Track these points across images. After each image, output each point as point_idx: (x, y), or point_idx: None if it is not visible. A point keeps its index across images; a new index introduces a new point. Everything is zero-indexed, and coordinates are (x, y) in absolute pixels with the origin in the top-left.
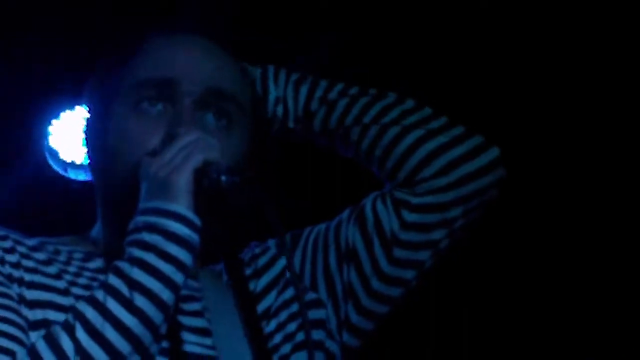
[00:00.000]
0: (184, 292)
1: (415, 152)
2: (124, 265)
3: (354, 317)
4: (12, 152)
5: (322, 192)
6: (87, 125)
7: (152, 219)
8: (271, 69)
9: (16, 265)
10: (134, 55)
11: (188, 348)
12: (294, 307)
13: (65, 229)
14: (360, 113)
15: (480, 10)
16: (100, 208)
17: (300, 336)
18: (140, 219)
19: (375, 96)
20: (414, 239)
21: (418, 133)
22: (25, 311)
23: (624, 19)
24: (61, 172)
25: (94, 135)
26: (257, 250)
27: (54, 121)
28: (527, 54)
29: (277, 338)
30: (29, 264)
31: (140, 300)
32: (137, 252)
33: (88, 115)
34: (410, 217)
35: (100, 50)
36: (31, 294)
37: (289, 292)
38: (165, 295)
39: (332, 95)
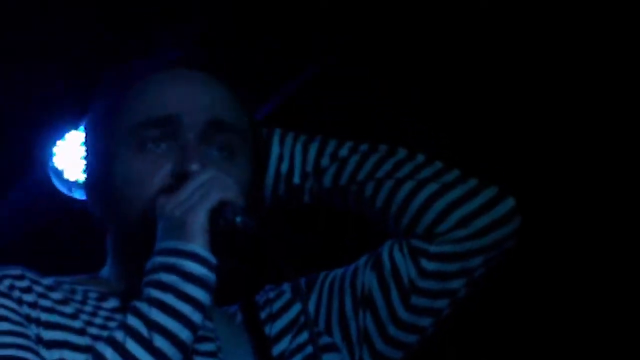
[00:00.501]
0: (199, 333)
1: (431, 207)
2: (142, 306)
3: None
4: (17, 172)
5: (330, 225)
6: (89, 167)
7: (169, 259)
8: (278, 131)
9: (33, 305)
10: (130, 94)
11: None
12: (308, 350)
13: (69, 248)
14: (373, 169)
15: (480, 10)
16: (111, 248)
17: None
18: (157, 260)
19: (387, 152)
20: (433, 287)
21: (433, 187)
22: (43, 351)
23: (624, 19)
24: (65, 191)
25: (98, 178)
26: (272, 295)
27: (58, 141)
28: (527, 54)
29: None
30: (46, 303)
31: (159, 341)
32: (155, 293)
33: (87, 155)
34: (429, 265)
35: (94, 91)
36: (48, 334)
37: (304, 336)
38: (184, 335)
39: (343, 152)
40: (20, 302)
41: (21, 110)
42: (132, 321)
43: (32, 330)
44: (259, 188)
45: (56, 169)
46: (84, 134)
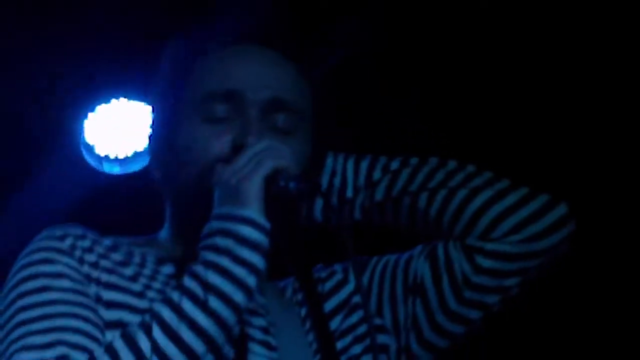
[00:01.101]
0: (251, 306)
1: (486, 213)
2: (198, 269)
3: (414, 347)
4: (48, 147)
5: None
6: (154, 131)
7: (225, 224)
8: (330, 152)
9: (94, 265)
10: (202, 64)
11: (254, 359)
12: (360, 330)
13: (100, 222)
14: (425, 179)
15: (480, 10)
16: (169, 213)
17: (365, 359)
18: (214, 224)
19: (438, 164)
20: (486, 283)
21: (487, 194)
22: (102, 311)
23: (624, 19)
24: (96, 166)
25: (162, 143)
26: (323, 274)
27: (89, 115)
28: (526, 54)
29: (343, 359)
30: (107, 264)
31: (214, 302)
32: (211, 256)
33: (153, 119)
34: (484, 262)
35: (162, 51)
36: (108, 295)
37: (355, 317)
38: (239, 297)
39: (394, 165)
40: (81, 261)
41: (52, 85)
42: (189, 283)
43: (92, 289)
44: (318, 167)
45: (87, 143)
46: (151, 96)
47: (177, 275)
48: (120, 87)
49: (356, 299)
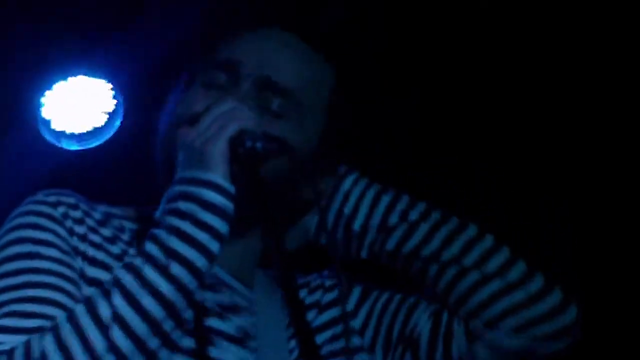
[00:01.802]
0: (237, 301)
1: (491, 306)
2: (160, 233)
3: None
4: (4, 123)
5: None
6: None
7: (188, 188)
8: (354, 173)
9: (83, 238)
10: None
11: (223, 356)
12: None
13: None
14: (440, 247)
15: (480, 10)
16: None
17: None
18: (176, 188)
19: (457, 227)
20: None
21: (496, 285)
22: (84, 287)
23: (624, 19)
24: (54, 142)
25: (161, 113)
26: (327, 283)
27: (47, 92)
28: (527, 54)
29: None
30: (95, 239)
31: (176, 268)
32: (174, 221)
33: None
34: (483, 352)
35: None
36: (92, 272)
37: (341, 343)
38: (201, 263)
39: (414, 215)
40: (71, 232)
41: (9, 60)
42: (151, 248)
43: (78, 263)
44: (323, 172)
45: (44, 119)
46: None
47: (141, 239)
48: (79, 65)
49: (354, 323)
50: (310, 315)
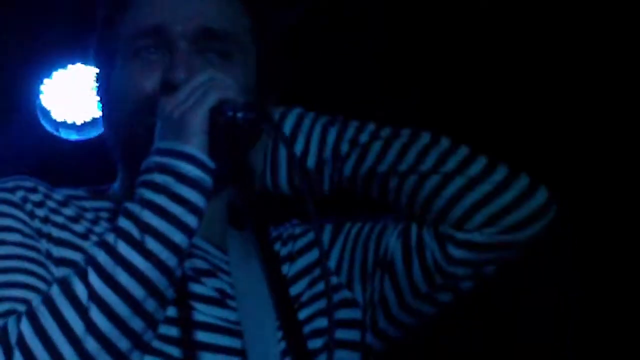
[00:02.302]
0: (212, 264)
1: (457, 205)
2: (134, 208)
3: (382, 323)
4: (3, 112)
5: None
6: (96, 84)
7: (164, 159)
8: (295, 112)
9: (45, 220)
10: (129, 7)
11: (207, 319)
12: (324, 302)
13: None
14: (396, 160)
15: (480, 10)
16: (117, 162)
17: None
18: (153, 160)
19: (410, 138)
20: (460, 272)
21: (459, 182)
22: (52, 268)
23: (624, 19)
24: (53, 131)
25: (102, 90)
26: (297, 231)
27: (45, 80)
28: (526, 54)
29: (307, 329)
30: (58, 219)
31: (151, 243)
32: (148, 194)
33: (96, 74)
34: (457, 252)
35: (96, 6)
36: (59, 252)
37: (321, 286)
38: (178, 238)
39: (364, 137)
40: (32, 215)
41: (8, 48)
42: (124, 223)
43: (43, 245)
44: (266, 97)
45: (44, 108)
46: (91, 51)
47: (114, 215)
48: (77, 53)
49: (329, 264)
50: (286, 267)
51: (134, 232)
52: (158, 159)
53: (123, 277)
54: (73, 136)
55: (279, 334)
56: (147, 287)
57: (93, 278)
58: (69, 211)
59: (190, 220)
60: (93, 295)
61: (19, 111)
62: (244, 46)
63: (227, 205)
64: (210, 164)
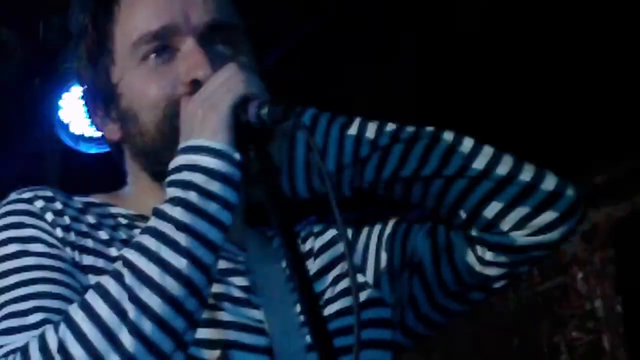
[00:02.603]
0: (234, 264)
1: (486, 209)
2: (165, 207)
3: (411, 321)
4: (24, 126)
5: None
6: (91, 99)
7: (192, 157)
8: (309, 112)
9: (67, 229)
10: (118, 12)
11: (235, 318)
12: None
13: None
14: (419, 164)
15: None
16: (133, 170)
17: (364, 334)
18: (180, 158)
19: (431, 140)
20: (492, 273)
21: (486, 186)
22: (79, 275)
23: (625, 20)
24: (72, 145)
25: (109, 105)
26: (316, 229)
27: (64, 94)
28: (526, 55)
29: (332, 326)
30: (80, 227)
31: (187, 241)
32: (179, 192)
33: (87, 90)
34: (488, 255)
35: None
36: (85, 259)
37: (346, 282)
38: (212, 234)
39: (384, 139)
40: (54, 224)
41: (27, 63)
42: (157, 223)
43: (68, 253)
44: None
45: (62, 122)
46: (76, 61)
47: (133, 221)
48: None
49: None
50: (309, 263)
51: (168, 231)
52: (186, 157)
53: (161, 277)
54: (93, 149)
55: (304, 330)
56: (186, 285)
57: (130, 280)
58: (89, 218)
59: (224, 216)
60: (132, 296)
61: (39, 125)
62: (245, 36)
63: (244, 203)
64: (238, 157)
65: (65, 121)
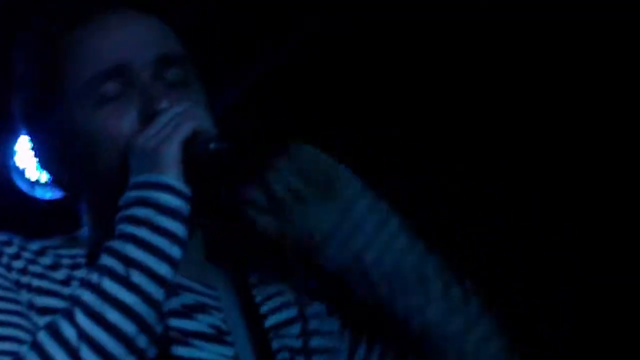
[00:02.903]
0: (201, 300)
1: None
2: (116, 244)
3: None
4: None
5: None
6: (41, 145)
7: (142, 192)
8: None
9: (23, 271)
10: (65, 49)
11: (207, 356)
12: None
13: None
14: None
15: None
16: (91, 213)
17: None
18: (130, 194)
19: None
20: None
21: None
22: (35, 317)
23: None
24: (27, 191)
25: (61, 148)
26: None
27: (19, 139)
28: (523, 54)
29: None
30: (36, 269)
31: (137, 277)
32: (129, 228)
33: (35, 136)
34: None
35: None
36: (41, 300)
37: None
38: (163, 270)
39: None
40: (9, 267)
41: None
42: (107, 260)
43: (23, 296)
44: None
45: (17, 167)
46: (19, 106)
47: (91, 260)
48: None
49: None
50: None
51: (118, 267)
52: (136, 192)
53: (112, 315)
54: (48, 195)
55: None
56: (137, 322)
57: (80, 318)
58: (46, 260)
59: (174, 251)
60: (83, 335)
61: None
62: (194, 69)
63: (203, 241)
64: (188, 192)
65: (21, 166)
